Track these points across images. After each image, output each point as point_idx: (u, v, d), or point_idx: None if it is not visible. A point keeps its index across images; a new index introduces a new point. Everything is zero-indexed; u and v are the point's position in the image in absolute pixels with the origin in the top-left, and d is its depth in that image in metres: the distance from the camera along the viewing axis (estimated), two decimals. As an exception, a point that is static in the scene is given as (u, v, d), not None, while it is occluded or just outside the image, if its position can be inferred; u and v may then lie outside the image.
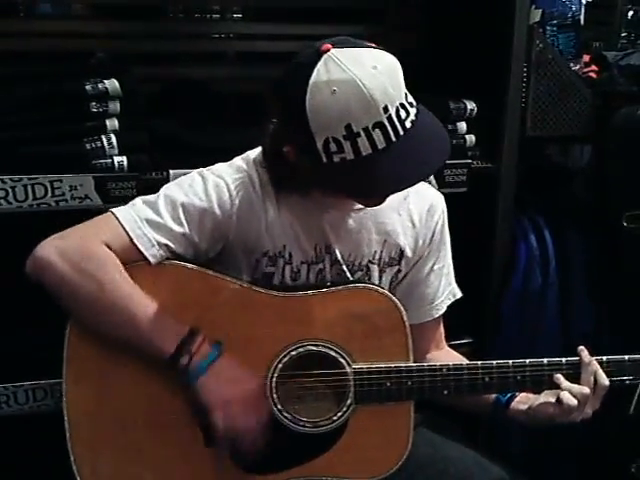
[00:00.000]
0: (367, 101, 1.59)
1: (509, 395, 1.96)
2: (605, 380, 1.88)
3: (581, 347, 1.91)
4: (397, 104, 1.64)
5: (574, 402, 1.85)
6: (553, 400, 1.88)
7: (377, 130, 1.62)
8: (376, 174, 1.64)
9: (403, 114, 1.65)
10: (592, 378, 1.87)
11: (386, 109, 1.61)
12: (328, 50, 1.63)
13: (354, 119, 1.60)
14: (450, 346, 2.17)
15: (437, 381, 1.88)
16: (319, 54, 1.63)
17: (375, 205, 1.87)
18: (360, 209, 1.94)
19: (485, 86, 2.63)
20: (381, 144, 1.63)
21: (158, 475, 1.86)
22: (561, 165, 3.08)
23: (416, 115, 1.69)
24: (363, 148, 1.62)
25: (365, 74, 1.60)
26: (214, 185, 1.85)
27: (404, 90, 1.67)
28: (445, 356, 2.11)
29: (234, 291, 1.85)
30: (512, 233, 2.75)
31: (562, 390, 1.86)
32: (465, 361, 2.01)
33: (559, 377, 1.88)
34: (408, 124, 1.66)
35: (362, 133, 1.61)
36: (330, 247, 1.94)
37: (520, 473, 2.04)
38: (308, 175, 1.77)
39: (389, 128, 1.63)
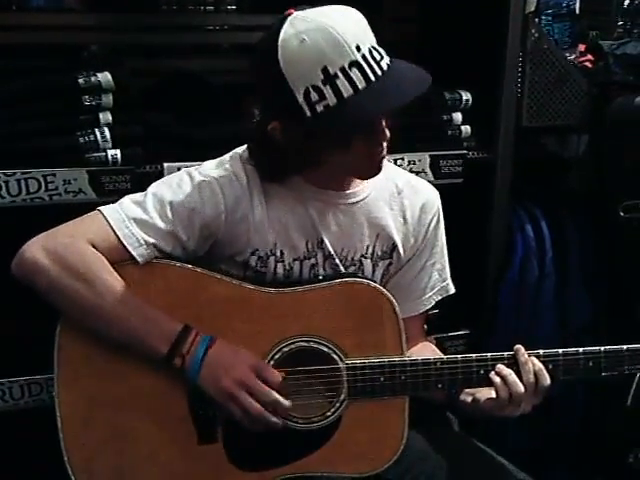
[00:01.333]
0: (338, 41, 1.62)
1: None
2: (546, 380, 1.84)
3: (517, 346, 1.88)
4: (369, 46, 1.66)
5: (506, 397, 1.83)
6: (493, 393, 1.86)
7: (354, 69, 1.63)
8: (361, 110, 1.64)
9: (377, 56, 1.67)
10: (532, 376, 1.84)
11: (358, 48, 1.63)
12: (292, 13, 1.67)
13: (329, 61, 1.62)
14: (447, 338, 2.16)
15: (431, 375, 1.86)
16: (284, 18, 1.67)
17: (371, 174, 1.85)
18: (352, 203, 1.93)
19: (481, 76, 2.62)
20: (361, 83, 1.64)
21: (153, 474, 1.85)
22: (557, 155, 3.07)
23: (391, 61, 1.71)
24: (344, 89, 1.63)
25: (331, 20, 1.64)
26: (202, 184, 1.83)
27: (374, 39, 1.69)
28: (421, 350, 2.08)
29: (224, 288, 1.83)
30: (508, 224, 2.75)
31: (500, 384, 1.84)
32: (440, 355, 2.01)
33: (501, 369, 1.86)
34: (384, 65, 1.68)
35: (339, 74, 1.62)
36: (322, 242, 1.92)
37: (518, 465, 2.03)
38: (297, 147, 1.76)
39: (366, 67, 1.64)
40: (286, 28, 1.65)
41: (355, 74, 1.63)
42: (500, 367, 1.86)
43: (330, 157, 1.79)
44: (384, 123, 1.75)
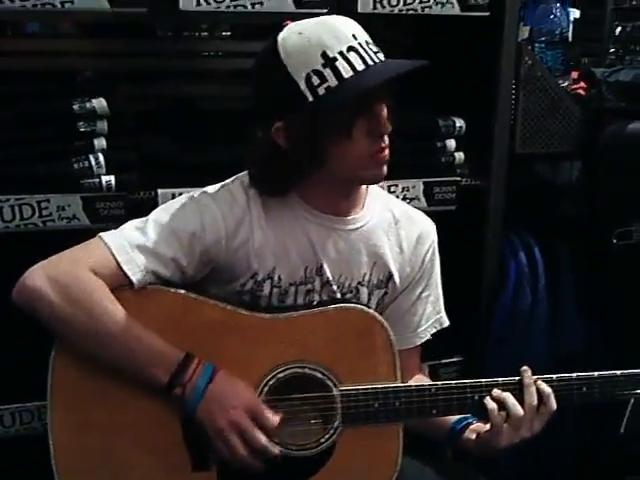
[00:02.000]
0: (335, 29, 1.71)
1: (464, 423, 1.95)
2: (552, 405, 1.85)
3: (524, 368, 1.89)
4: (365, 38, 1.74)
5: (500, 422, 1.83)
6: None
7: (352, 53, 1.69)
8: (361, 83, 1.68)
9: (374, 48, 1.74)
10: (535, 399, 1.84)
11: (355, 37, 1.71)
12: (288, 24, 1.77)
13: (327, 46, 1.69)
14: (440, 365, 2.16)
15: (425, 401, 1.86)
16: (281, 28, 1.76)
17: (375, 175, 1.84)
18: (351, 230, 1.92)
19: (474, 103, 2.63)
20: (360, 66, 1.69)
21: None
22: (550, 182, 3.07)
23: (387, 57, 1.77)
24: (344, 70, 1.68)
25: (327, 17, 1.76)
26: (203, 209, 1.83)
27: (369, 38, 1.76)
28: (415, 381, 2.05)
29: (218, 314, 1.83)
30: (501, 250, 2.75)
31: (495, 409, 1.84)
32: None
33: (498, 393, 1.86)
34: (381, 57, 1.74)
35: (339, 57, 1.69)
36: (321, 268, 1.91)
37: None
38: (301, 143, 1.76)
39: (363, 52, 1.71)
40: (283, 32, 1.73)
41: (354, 57, 1.69)
42: (496, 392, 1.86)
43: (334, 149, 1.77)
44: (385, 114, 1.77)
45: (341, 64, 1.68)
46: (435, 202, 2.55)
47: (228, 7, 2.21)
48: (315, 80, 1.68)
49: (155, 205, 1.96)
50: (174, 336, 1.78)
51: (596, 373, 1.91)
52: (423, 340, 2.09)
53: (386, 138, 1.79)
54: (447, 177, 2.59)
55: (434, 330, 2.09)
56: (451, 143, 2.63)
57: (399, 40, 2.96)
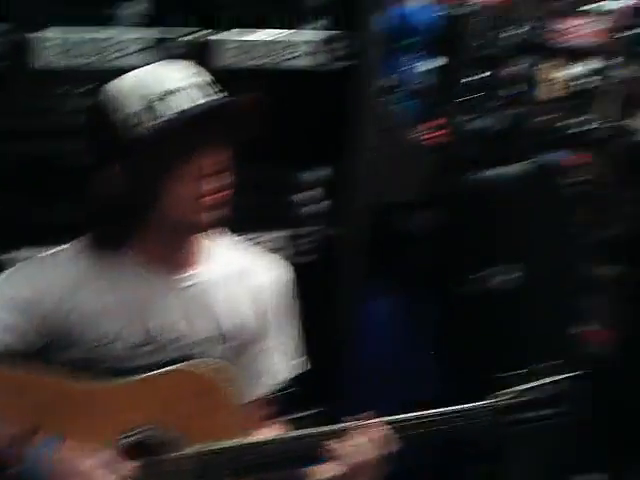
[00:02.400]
0: (163, 72, 1.76)
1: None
2: (394, 445, 1.81)
3: (365, 413, 1.84)
4: (198, 80, 1.75)
5: (342, 470, 1.78)
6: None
7: (178, 93, 1.71)
8: (180, 121, 1.69)
9: (209, 90, 1.74)
10: (376, 442, 1.80)
11: (185, 79, 1.74)
12: None
13: (152, 87, 1.71)
14: (298, 418, 2.14)
15: (276, 455, 1.83)
16: None
17: (204, 223, 1.80)
18: (190, 286, 1.89)
19: (334, 154, 2.67)
20: (183, 105, 1.69)
21: None
22: (408, 230, 3.13)
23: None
24: (167, 109, 1.69)
25: (161, 62, 1.84)
26: (38, 275, 1.81)
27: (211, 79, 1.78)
28: (269, 432, 2.00)
29: (57, 387, 1.78)
30: (361, 298, 2.79)
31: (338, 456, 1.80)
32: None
33: (335, 443, 1.81)
34: (215, 97, 1.75)
35: (163, 97, 1.70)
36: (163, 327, 1.87)
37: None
38: (136, 184, 1.73)
39: (191, 93, 1.72)
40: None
41: (179, 97, 1.70)
42: (334, 442, 1.81)
43: (162, 190, 1.74)
44: (217, 156, 1.74)
45: (165, 104, 1.69)
46: (298, 253, 2.59)
47: (89, 64, 2.20)
48: (138, 119, 1.69)
49: (9, 267, 1.93)
50: (13, 413, 1.71)
51: (436, 410, 1.91)
52: (272, 389, 2.05)
53: (218, 182, 1.76)
54: (308, 227, 2.64)
55: (284, 377, 2.05)
56: (312, 193, 2.67)
57: (260, 91, 2.99)
